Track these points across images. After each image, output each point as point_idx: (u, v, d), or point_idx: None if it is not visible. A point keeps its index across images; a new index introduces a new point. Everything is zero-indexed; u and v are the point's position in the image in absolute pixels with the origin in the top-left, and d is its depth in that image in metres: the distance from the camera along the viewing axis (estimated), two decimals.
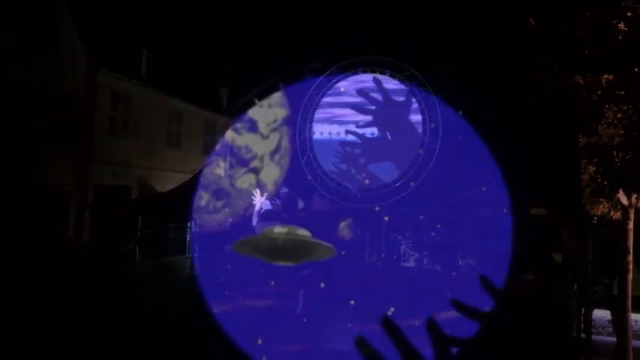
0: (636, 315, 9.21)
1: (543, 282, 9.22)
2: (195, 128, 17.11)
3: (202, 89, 12.87)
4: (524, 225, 9.49)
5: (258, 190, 9.51)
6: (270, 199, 10.13)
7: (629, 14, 7.58)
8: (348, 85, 10.65)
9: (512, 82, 9.01)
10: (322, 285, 9.17)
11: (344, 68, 10.32)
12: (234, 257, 10.09)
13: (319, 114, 10.76)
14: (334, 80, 10.56)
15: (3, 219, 8.63)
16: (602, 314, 10.17)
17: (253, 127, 10.78)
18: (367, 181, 10.47)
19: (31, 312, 8.35)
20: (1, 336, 7.74)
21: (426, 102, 10.39)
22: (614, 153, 7.86)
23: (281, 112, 10.77)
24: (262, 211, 9.46)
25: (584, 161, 8.41)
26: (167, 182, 14.52)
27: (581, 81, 8.02)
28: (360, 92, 10.65)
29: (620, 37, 7.62)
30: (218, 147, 11.00)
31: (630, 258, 8.32)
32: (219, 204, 10.47)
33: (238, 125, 10.83)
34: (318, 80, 10.56)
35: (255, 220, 9.73)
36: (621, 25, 7.58)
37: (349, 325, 9.59)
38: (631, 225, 8.38)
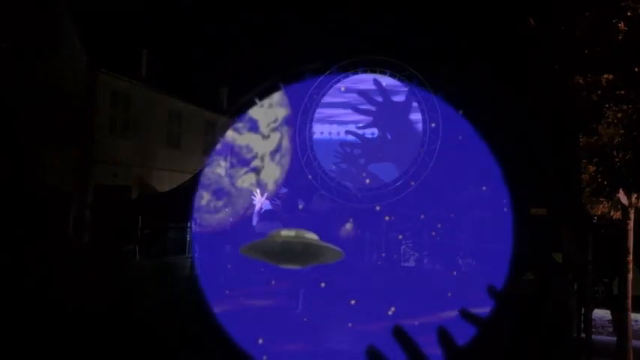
0: (636, 315, 9.21)
1: (543, 282, 9.22)
2: (195, 128, 17.09)
3: (202, 89, 12.88)
4: (524, 225, 9.49)
5: (258, 190, 9.50)
6: (271, 198, 10.14)
7: (629, 14, 7.58)
8: (349, 85, 10.65)
9: (512, 82, 9.02)
10: (322, 285, 9.18)
11: (344, 68, 10.32)
12: (234, 257, 10.10)
13: (319, 114, 10.76)
14: (334, 80, 10.56)
15: (3, 219, 8.63)
16: (602, 314, 10.17)
17: (254, 126, 10.78)
18: (367, 181, 10.47)
19: (32, 312, 8.35)
20: (2, 336, 7.75)
21: (426, 102, 10.39)
22: (614, 153, 7.86)
23: (281, 112, 10.77)
24: (262, 210, 9.46)
25: (584, 161, 8.42)
26: (167, 182, 14.52)
27: (581, 81, 8.02)
28: (361, 92, 10.65)
29: (620, 37, 7.62)
30: (218, 147, 11.00)
31: (630, 258, 8.32)
32: (220, 203, 10.48)
33: (239, 125, 10.83)
34: (319, 80, 10.56)
35: (255, 220, 9.73)
36: (621, 25, 7.58)
37: (349, 324, 9.60)
38: (631, 225, 8.38)
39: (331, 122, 10.72)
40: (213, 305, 9.74)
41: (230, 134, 10.90)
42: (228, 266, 10.03)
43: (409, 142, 10.50)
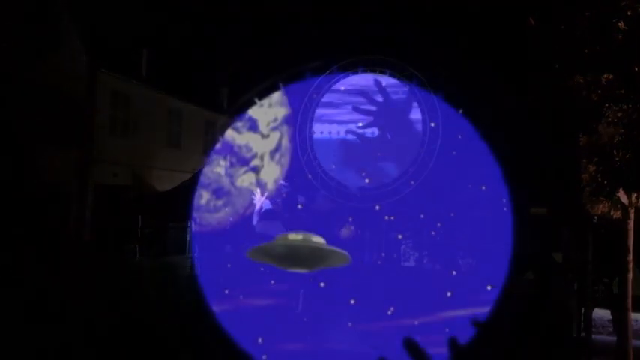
0: (636, 314, 9.22)
1: (543, 282, 9.23)
2: (195, 128, 17.09)
3: (202, 89, 12.88)
4: (524, 224, 9.50)
5: (258, 190, 9.49)
6: (271, 198, 10.13)
7: (628, 13, 7.59)
8: (349, 85, 10.65)
9: (512, 81, 9.02)
10: (322, 285, 9.17)
11: (344, 68, 10.31)
12: (234, 256, 10.09)
13: (319, 113, 10.76)
14: (334, 80, 10.56)
15: (3, 219, 8.62)
16: (602, 313, 10.18)
17: (253, 126, 10.77)
18: (367, 181, 10.47)
19: (31, 312, 8.35)
20: (2, 335, 7.74)
21: (426, 101, 10.39)
22: (614, 152, 7.87)
23: (281, 111, 10.76)
24: (262, 210, 9.46)
25: (584, 160, 8.42)
26: (167, 182, 14.51)
27: (581, 80, 8.03)
28: (360, 92, 10.65)
29: (620, 37, 7.62)
30: (218, 146, 10.98)
31: (630, 257, 8.33)
32: (220, 203, 10.48)
33: (238, 124, 10.82)
34: (319, 80, 10.56)
35: (255, 219, 9.72)
36: (621, 25, 7.59)
37: (349, 324, 9.59)
38: (631, 224, 8.39)
39: (331, 122, 10.72)
40: (212, 304, 9.73)
41: (230, 134, 10.89)
42: (228, 265, 10.02)
43: (409, 142, 10.50)
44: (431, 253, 10.21)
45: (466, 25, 8.73)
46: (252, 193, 10.48)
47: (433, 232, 10.04)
